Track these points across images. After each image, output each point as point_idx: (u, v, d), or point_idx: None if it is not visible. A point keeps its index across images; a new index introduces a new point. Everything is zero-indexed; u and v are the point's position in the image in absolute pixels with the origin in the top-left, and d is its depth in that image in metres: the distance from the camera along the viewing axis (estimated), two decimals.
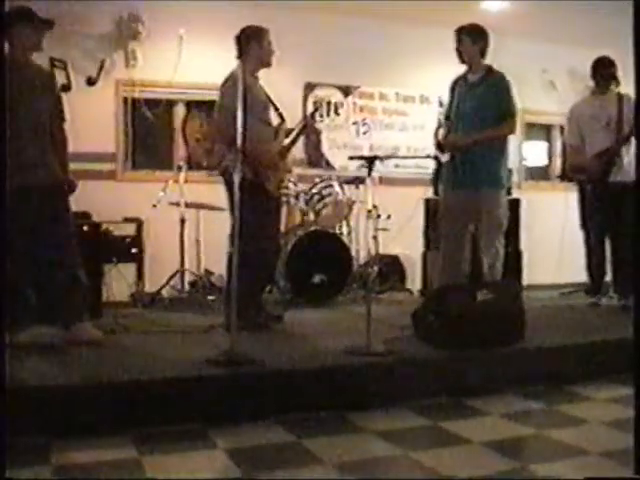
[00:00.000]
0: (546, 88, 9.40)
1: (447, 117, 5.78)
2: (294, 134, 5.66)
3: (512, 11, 8.20)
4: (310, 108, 8.21)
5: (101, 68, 7.30)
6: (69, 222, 4.71)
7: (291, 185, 6.96)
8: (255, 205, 4.60)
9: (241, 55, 5.19)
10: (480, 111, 5.47)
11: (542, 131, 10.01)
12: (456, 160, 5.54)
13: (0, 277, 3.93)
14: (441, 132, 5.81)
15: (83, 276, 4.68)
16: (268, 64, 5.32)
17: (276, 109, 5.38)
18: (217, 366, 3.90)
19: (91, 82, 7.24)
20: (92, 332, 4.63)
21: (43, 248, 4.46)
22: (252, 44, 5.19)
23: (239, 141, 4.31)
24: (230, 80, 5.05)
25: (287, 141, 5.49)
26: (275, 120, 5.40)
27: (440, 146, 5.68)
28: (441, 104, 5.76)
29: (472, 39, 5.56)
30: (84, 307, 4.71)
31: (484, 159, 5.46)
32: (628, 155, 6.22)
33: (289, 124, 5.54)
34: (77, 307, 4.63)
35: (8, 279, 4.06)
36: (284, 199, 6.43)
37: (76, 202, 4.90)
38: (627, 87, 6.40)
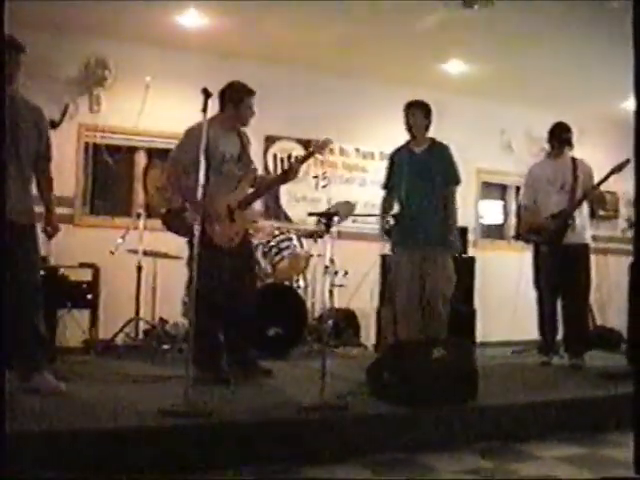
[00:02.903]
0: (503, 148, 9.60)
1: (386, 186, 6.17)
2: (270, 182, 5.86)
3: (472, 73, 8.38)
4: (271, 161, 8.33)
5: (65, 112, 7.30)
6: (37, 268, 4.63)
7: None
8: (204, 257, 4.43)
9: (221, 108, 5.32)
10: (431, 179, 5.87)
11: (498, 190, 10.18)
12: (408, 221, 5.86)
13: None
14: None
15: (42, 325, 4.59)
16: (243, 125, 5.46)
17: (239, 159, 5.38)
18: (171, 417, 3.87)
19: (53, 125, 7.22)
20: (54, 383, 4.50)
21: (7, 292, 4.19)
22: (229, 104, 5.33)
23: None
24: (188, 132, 5.20)
25: (251, 190, 5.51)
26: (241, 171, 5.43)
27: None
28: None
29: (424, 114, 5.95)
30: (44, 357, 4.60)
31: (437, 220, 5.83)
32: (581, 218, 6.37)
33: None
34: (36, 357, 4.50)
35: None
36: None
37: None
38: (580, 150, 6.62)
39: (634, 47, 3.42)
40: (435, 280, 5.79)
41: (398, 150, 6.13)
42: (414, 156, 5.97)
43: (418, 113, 5.92)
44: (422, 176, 5.87)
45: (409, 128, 5.97)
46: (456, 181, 5.98)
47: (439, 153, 5.96)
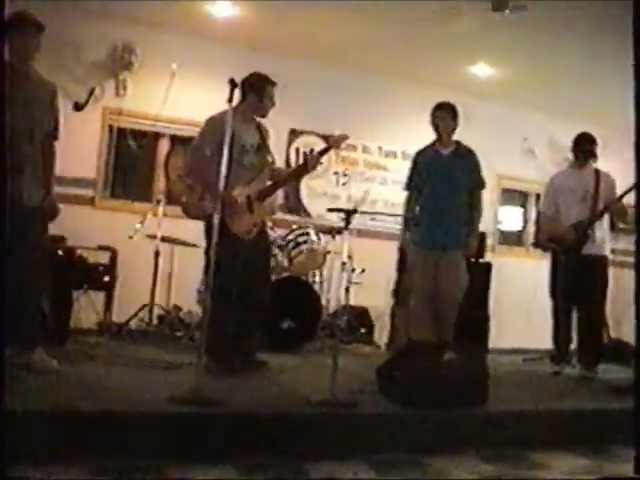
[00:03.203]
0: (525, 156, 9.56)
1: (408, 186, 6.21)
2: (287, 175, 5.86)
3: (500, 78, 8.35)
4: (293, 154, 8.33)
5: (90, 95, 7.33)
6: (45, 249, 4.63)
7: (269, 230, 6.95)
8: (219, 246, 4.44)
9: (243, 99, 5.29)
10: (455, 182, 5.94)
11: (518, 197, 10.15)
12: (428, 222, 5.92)
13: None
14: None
15: (47, 306, 4.58)
16: (262, 116, 5.45)
17: (259, 151, 5.35)
18: (180, 404, 3.88)
19: (78, 107, 7.27)
20: (47, 361, 4.51)
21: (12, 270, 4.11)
22: (251, 94, 5.32)
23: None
24: (210, 122, 5.20)
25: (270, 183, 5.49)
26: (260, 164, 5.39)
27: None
28: None
29: (452, 116, 5.99)
30: (42, 336, 4.60)
31: (456, 223, 5.92)
32: (601, 229, 6.34)
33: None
34: (34, 335, 4.51)
35: None
36: None
37: (52, 225, 4.87)
38: (604, 163, 6.58)
39: (634, 50, 3.40)
40: (448, 284, 5.87)
41: (423, 151, 6.15)
42: (440, 158, 6.01)
43: (447, 115, 5.96)
44: (447, 178, 5.92)
45: (437, 129, 6.00)
46: (482, 185, 6.07)
47: (466, 157, 6.02)
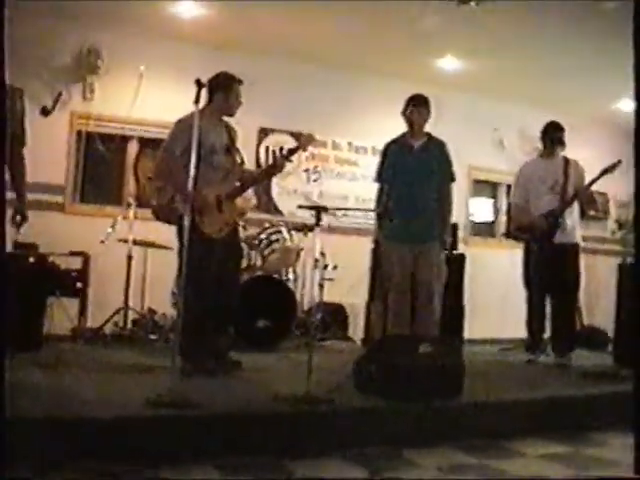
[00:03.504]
0: (495, 146, 9.61)
1: (379, 178, 6.14)
2: (256, 176, 5.89)
3: (467, 69, 8.39)
4: (263, 153, 8.33)
5: (57, 99, 7.28)
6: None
7: (240, 229, 6.94)
8: (191, 246, 4.43)
9: (210, 99, 5.28)
10: (428, 175, 5.92)
11: (489, 188, 10.19)
12: (402, 215, 5.85)
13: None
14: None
15: None
16: (230, 115, 5.43)
17: (228, 151, 5.35)
18: (157, 407, 3.87)
19: (45, 112, 7.22)
20: None
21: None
22: (218, 94, 5.30)
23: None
24: (179, 124, 5.18)
25: (239, 184, 5.49)
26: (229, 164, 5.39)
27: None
28: None
29: (427, 109, 5.97)
30: None
31: (430, 215, 5.88)
32: (571, 218, 6.39)
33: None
34: None
35: None
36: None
37: (23, 232, 4.82)
38: (571, 151, 6.63)
39: (634, 47, 3.43)
40: (428, 276, 5.83)
41: (393, 142, 6.11)
42: (412, 150, 5.98)
43: (422, 108, 5.93)
44: (419, 171, 5.90)
45: (409, 121, 5.97)
46: (452, 178, 6.04)
47: (437, 149, 5.99)
